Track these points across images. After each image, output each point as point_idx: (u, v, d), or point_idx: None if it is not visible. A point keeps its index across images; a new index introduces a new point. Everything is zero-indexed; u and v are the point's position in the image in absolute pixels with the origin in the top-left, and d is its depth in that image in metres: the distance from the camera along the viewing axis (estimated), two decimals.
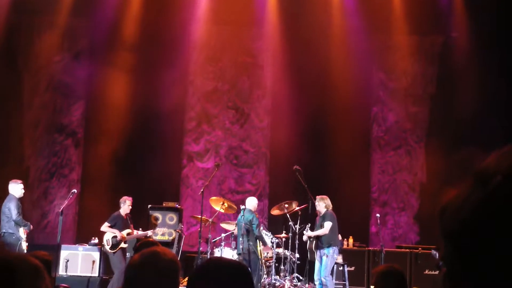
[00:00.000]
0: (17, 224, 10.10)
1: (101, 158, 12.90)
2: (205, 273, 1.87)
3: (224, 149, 13.70)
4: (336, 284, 10.57)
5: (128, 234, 10.72)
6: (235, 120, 13.77)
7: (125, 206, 10.88)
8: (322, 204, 10.03)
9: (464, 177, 1.00)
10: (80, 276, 11.24)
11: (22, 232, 10.12)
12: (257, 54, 13.83)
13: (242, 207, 10.77)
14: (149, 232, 11.15)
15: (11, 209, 10.12)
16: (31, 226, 10.48)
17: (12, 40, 13.18)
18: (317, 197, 10.17)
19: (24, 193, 12.82)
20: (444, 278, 0.99)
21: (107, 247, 10.64)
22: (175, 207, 12.10)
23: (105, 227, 10.75)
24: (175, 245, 11.60)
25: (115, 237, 10.66)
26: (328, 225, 9.88)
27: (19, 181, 10.62)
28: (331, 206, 10.07)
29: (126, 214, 10.94)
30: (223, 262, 1.98)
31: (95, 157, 13.07)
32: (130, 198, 10.99)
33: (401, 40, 13.41)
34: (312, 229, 10.15)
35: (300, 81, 13.17)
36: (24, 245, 10.11)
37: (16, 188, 10.37)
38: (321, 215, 10.08)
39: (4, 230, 10.17)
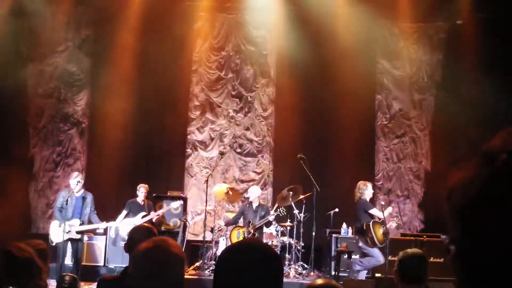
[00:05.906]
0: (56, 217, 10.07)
1: (106, 147, 12.94)
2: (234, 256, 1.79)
3: (228, 138, 13.69)
4: (341, 272, 10.55)
5: (143, 217, 10.81)
6: (239, 109, 13.75)
7: (139, 192, 11.01)
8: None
9: (470, 158, 1.01)
10: (86, 265, 11.30)
11: (52, 225, 10.04)
12: (260, 42, 13.78)
13: (246, 195, 10.84)
14: (165, 207, 11.31)
15: (57, 199, 10.10)
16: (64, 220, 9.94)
17: (16, 29, 13.15)
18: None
19: (29, 183, 12.80)
20: (453, 258, 1.00)
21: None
22: (179, 196, 12.12)
23: (121, 216, 10.90)
24: (180, 234, 11.64)
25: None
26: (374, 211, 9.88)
27: (76, 173, 10.51)
28: (364, 194, 9.93)
29: (144, 200, 11.05)
30: (252, 245, 1.90)
31: (100, 147, 13.11)
32: (146, 185, 11.08)
33: (405, 27, 13.32)
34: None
35: (304, 69, 13.11)
36: (55, 238, 9.89)
37: (71, 180, 10.24)
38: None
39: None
